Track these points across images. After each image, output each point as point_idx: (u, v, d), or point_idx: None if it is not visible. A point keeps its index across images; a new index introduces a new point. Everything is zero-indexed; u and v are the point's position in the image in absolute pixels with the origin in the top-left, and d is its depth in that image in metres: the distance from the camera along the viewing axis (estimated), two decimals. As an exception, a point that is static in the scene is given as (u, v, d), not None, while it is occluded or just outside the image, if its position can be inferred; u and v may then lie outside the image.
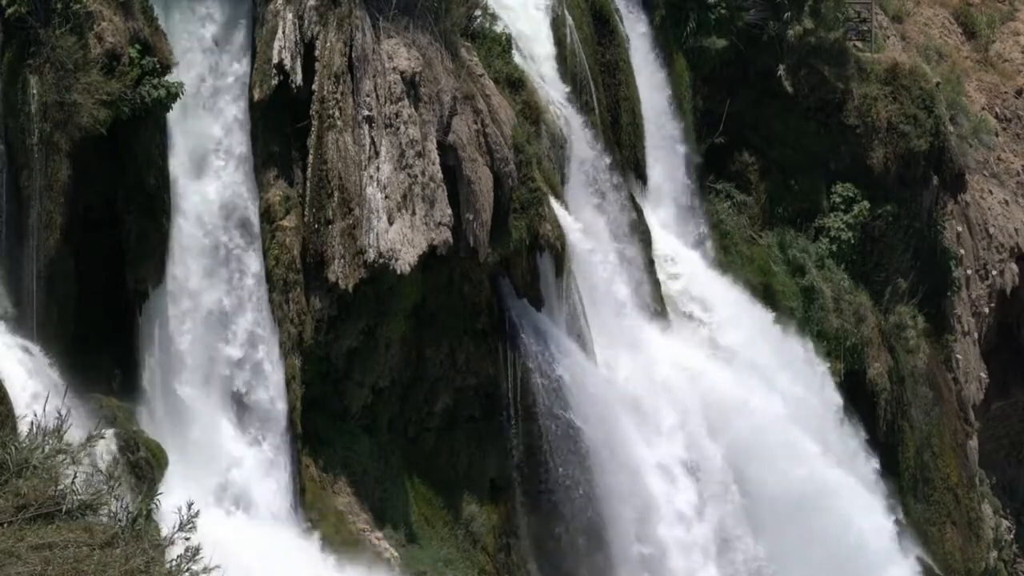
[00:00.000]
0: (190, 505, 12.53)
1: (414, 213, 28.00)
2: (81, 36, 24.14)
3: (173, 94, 25.11)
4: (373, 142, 27.86)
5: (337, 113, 27.61)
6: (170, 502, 14.59)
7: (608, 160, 34.80)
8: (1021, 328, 49.67)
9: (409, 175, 28.03)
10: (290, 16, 27.45)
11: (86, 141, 24.29)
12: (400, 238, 27.67)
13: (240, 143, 27.26)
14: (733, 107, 40.24)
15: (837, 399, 39.23)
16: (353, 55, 27.90)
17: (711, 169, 40.38)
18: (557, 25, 34.58)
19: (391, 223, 27.64)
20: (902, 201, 42.62)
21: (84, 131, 24.11)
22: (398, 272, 27.67)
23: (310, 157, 27.58)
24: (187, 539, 12.41)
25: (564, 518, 31.43)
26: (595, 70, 35.47)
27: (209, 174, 26.91)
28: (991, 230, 48.08)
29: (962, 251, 45.66)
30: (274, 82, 27.20)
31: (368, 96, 27.85)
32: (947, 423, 43.77)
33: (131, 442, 24.10)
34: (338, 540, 27.56)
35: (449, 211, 28.38)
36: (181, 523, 12.29)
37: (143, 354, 25.92)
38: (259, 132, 27.50)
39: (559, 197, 32.42)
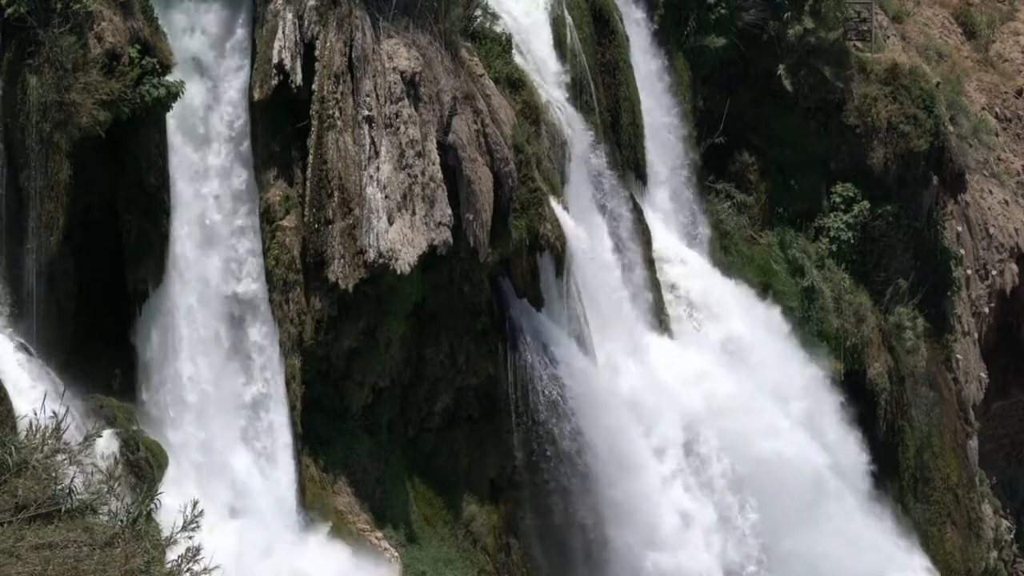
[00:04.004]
0: (195, 504, 12.50)
1: (414, 213, 27.99)
2: (81, 36, 24.15)
3: (173, 94, 25.11)
4: (373, 142, 27.86)
5: (337, 113, 27.60)
6: (170, 502, 14.58)
7: (608, 160, 34.78)
8: (1021, 328, 49.66)
9: (409, 175, 28.02)
10: (290, 16, 27.45)
11: (86, 141, 24.30)
12: (400, 238, 27.66)
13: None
14: (733, 107, 40.22)
15: (838, 400, 39.24)
16: (353, 55, 27.89)
17: (711, 169, 40.35)
18: (557, 25, 34.57)
19: (391, 223, 27.64)
20: (902, 201, 42.60)
21: (84, 131, 24.11)
22: (398, 272, 27.66)
23: (310, 157, 27.57)
24: (190, 538, 12.38)
25: (564, 518, 31.43)
26: (595, 70, 35.45)
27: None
28: (991, 230, 48.07)
29: (962, 251, 45.63)
30: (274, 82, 27.20)
31: (368, 96, 27.85)
32: (947, 423, 43.74)
33: (131, 442, 24.12)
34: (338, 540, 27.55)
35: (449, 211, 28.37)
36: (185, 522, 12.26)
37: (143, 354, 25.93)
38: (259, 132, 27.49)
39: (559, 197, 32.41)
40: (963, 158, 44.52)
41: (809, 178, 41.74)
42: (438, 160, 28.45)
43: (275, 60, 27.14)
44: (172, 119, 25.82)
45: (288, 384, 27.40)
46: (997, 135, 50.39)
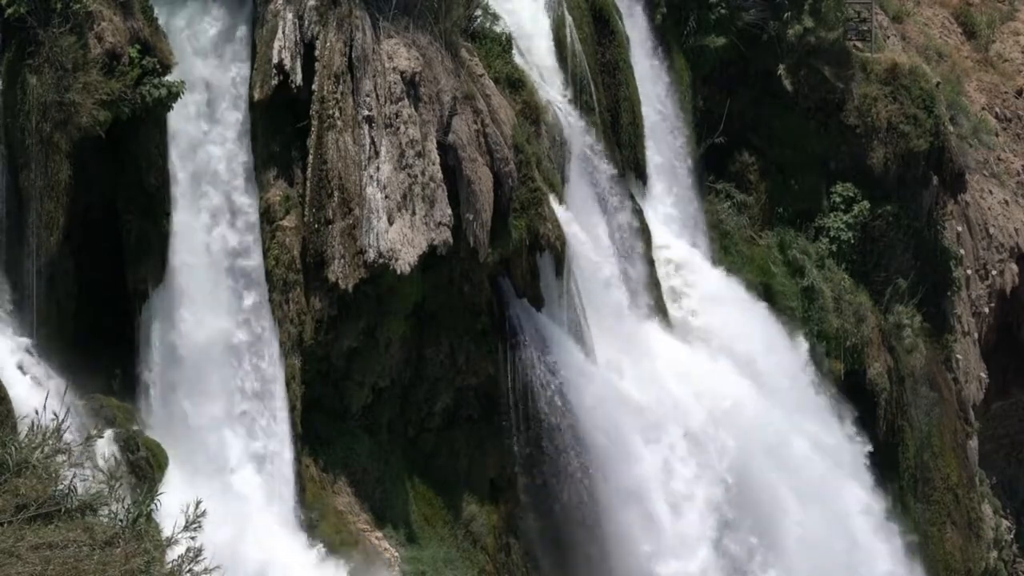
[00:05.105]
0: (197, 504, 12.47)
1: (414, 213, 27.99)
2: (81, 36, 24.13)
3: (174, 93, 25.09)
4: (373, 142, 27.86)
5: (337, 113, 27.60)
6: (171, 502, 14.56)
7: (608, 160, 34.78)
8: (1021, 328, 49.67)
9: (409, 175, 28.02)
10: (290, 16, 27.44)
11: (86, 141, 24.29)
12: (400, 238, 27.66)
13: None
14: (733, 107, 40.23)
15: (836, 397, 39.27)
16: (353, 55, 27.89)
17: (711, 169, 40.36)
18: (557, 25, 34.58)
19: (391, 223, 27.63)
20: (902, 201, 42.62)
21: (84, 131, 24.10)
22: (398, 272, 27.66)
23: (310, 157, 27.57)
24: (192, 538, 12.36)
25: (564, 518, 31.42)
26: (595, 70, 35.45)
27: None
28: (991, 230, 48.07)
29: (962, 251, 45.65)
30: (274, 82, 27.20)
31: (368, 96, 27.85)
32: (947, 423, 43.75)
33: (131, 442, 24.10)
34: (338, 540, 27.55)
35: (449, 211, 28.37)
36: (187, 522, 12.24)
37: (143, 354, 25.92)
38: (259, 132, 27.49)
39: (559, 197, 32.41)
40: (963, 158, 44.54)
41: (809, 178, 41.75)
42: (438, 160, 28.45)
43: (275, 60, 27.14)
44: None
45: (288, 384, 27.39)
46: (997, 135, 50.40)
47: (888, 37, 46.81)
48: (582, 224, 32.73)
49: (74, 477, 13.18)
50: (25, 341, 24.04)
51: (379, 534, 28.49)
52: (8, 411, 22.04)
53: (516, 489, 31.17)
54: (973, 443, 45.63)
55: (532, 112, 32.28)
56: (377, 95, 27.95)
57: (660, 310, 35.59)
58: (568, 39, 34.60)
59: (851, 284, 41.39)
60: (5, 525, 12.24)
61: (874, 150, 41.94)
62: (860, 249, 41.91)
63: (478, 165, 29.06)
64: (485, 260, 29.44)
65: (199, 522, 12.31)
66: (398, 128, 28.09)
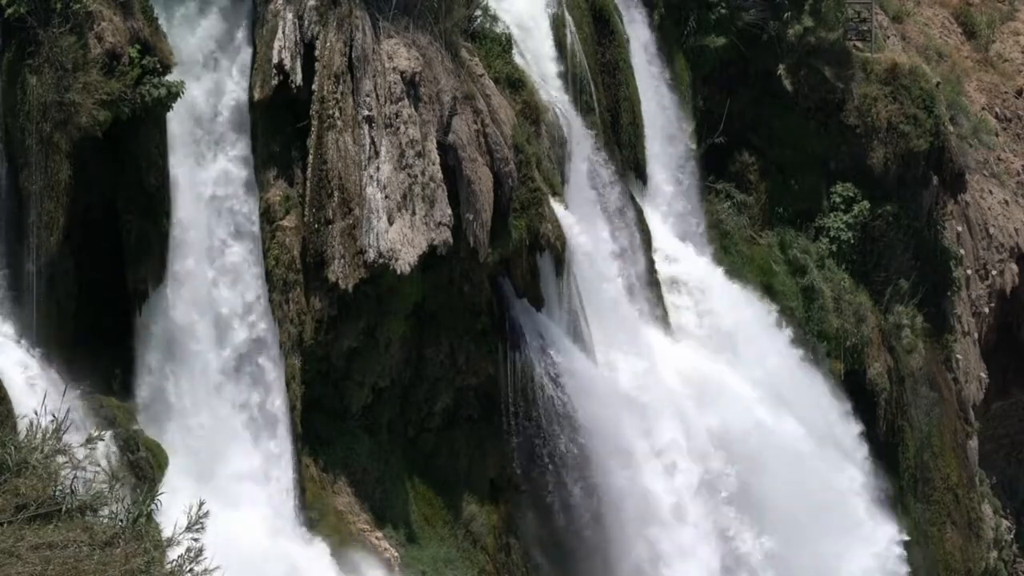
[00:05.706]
0: (200, 505, 12.45)
1: (414, 213, 27.99)
2: (81, 36, 24.14)
3: (174, 93, 25.08)
4: (373, 142, 27.85)
5: (337, 113, 27.59)
6: (170, 502, 14.56)
7: (608, 160, 34.78)
8: (1021, 328, 49.68)
9: (409, 175, 28.02)
10: (290, 16, 27.44)
11: (86, 141, 24.28)
12: (400, 238, 27.66)
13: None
14: (733, 107, 40.24)
15: (838, 400, 39.26)
16: (353, 55, 27.89)
17: (711, 169, 40.37)
18: (557, 25, 34.58)
19: (391, 223, 27.63)
20: (902, 201, 42.64)
21: (84, 131, 24.10)
22: (398, 272, 27.66)
23: (310, 157, 27.57)
24: (195, 539, 12.34)
25: (564, 518, 31.43)
26: (595, 70, 35.46)
27: None
28: (991, 230, 48.08)
29: (962, 251, 45.66)
30: (274, 82, 27.20)
31: (368, 96, 27.84)
32: (947, 423, 43.76)
33: (131, 442, 24.10)
34: (338, 540, 27.54)
35: (449, 211, 28.37)
36: (189, 523, 12.22)
37: (143, 354, 25.92)
38: (259, 132, 27.49)
39: (559, 197, 32.41)
40: (963, 158, 44.55)
41: (809, 178, 41.77)
42: (438, 160, 28.45)
43: (275, 60, 27.14)
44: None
45: (288, 384, 27.39)
46: (997, 135, 50.42)
47: (888, 37, 46.82)
48: (582, 224, 32.73)
49: (74, 478, 13.17)
50: (25, 341, 24.05)
51: (379, 534, 28.49)
52: (8, 411, 22.04)
53: (516, 489, 31.18)
54: (973, 443, 45.64)
55: (532, 112, 32.28)
56: (377, 95, 27.95)
57: (659, 309, 35.59)
58: (568, 39, 34.61)
59: (851, 284, 41.40)
60: (5, 525, 12.23)
61: (874, 150, 41.95)
62: (860, 249, 41.92)
63: (478, 165, 29.06)
64: (485, 260, 29.44)
65: (202, 523, 12.29)
66: (398, 128, 28.09)
